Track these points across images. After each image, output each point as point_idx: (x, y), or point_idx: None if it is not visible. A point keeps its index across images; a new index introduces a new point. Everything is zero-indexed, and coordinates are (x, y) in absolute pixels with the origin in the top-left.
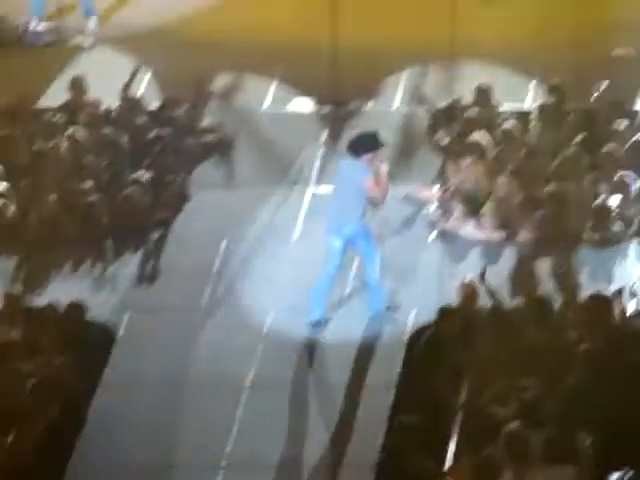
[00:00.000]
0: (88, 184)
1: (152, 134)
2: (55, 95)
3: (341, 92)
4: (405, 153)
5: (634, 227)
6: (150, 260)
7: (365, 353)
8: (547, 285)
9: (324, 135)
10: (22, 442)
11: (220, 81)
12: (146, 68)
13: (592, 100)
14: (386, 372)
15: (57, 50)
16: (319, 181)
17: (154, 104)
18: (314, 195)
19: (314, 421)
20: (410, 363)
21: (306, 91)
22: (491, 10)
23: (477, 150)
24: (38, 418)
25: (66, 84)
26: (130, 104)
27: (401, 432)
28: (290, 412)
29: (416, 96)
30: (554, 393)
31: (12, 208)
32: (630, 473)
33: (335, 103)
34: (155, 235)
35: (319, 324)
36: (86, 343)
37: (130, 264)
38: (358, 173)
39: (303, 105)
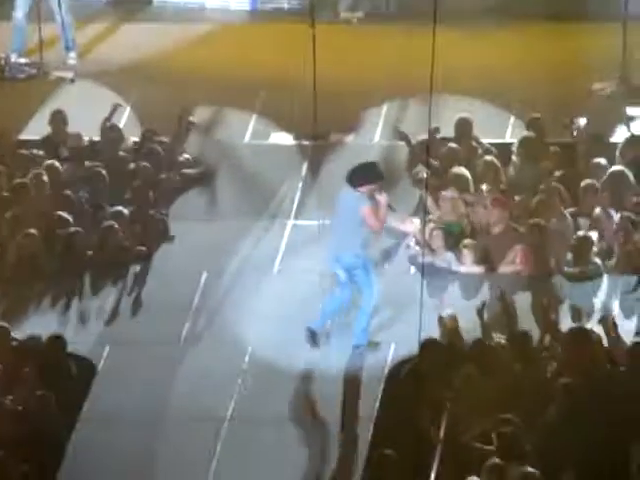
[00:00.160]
0: (68, 217)
1: (132, 167)
2: (36, 128)
3: (321, 126)
4: (385, 186)
5: (613, 260)
6: (130, 293)
7: (345, 386)
8: (527, 319)
9: (304, 168)
10: (1, 475)
11: (200, 114)
12: (126, 102)
13: (572, 134)
14: (366, 405)
15: (38, 84)
16: (299, 214)
17: (134, 137)
18: (294, 228)
19: (294, 454)
20: (390, 396)
21: (286, 124)
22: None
23: (457, 183)
24: (18, 451)
25: (47, 118)
26: (110, 137)
27: (380, 466)
28: (270, 446)
29: (395, 131)
30: (534, 427)
31: None
32: None
33: (315, 137)
34: (135, 268)
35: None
36: (66, 377)
37: (110, 297)
38: (357, 203)
39: (283, 138)
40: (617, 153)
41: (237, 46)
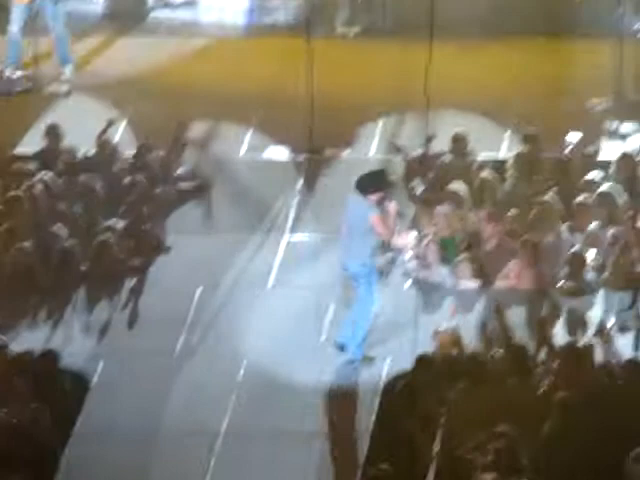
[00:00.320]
0: (63, 231)
1: (127, 181)
2: (31, 142)
3: (317, 140)
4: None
5: (606, 275)
6: (125, 307)
7: (340, 400)
8: (522, 334)
9: (300, 183)
10: None
11: (196, 129)
12: (122, 116)
13: (567, 150)
14: (361, 420)
15: (33, 98)
16: (295, 229)
17: (130, 151)
18: (289, 243)
19: (288, 469)
20: (385, 411)
21: (282, 139)
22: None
23: (453, 198)
24: (11, 466)
25: (42, 131)
26: (106, 151)
27: None
28: (264, 460)
29: (391, 145)
30: (530, 442)
31: None
32: None
33: (311, 151)
34: (130, 282)
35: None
36: (60, 391)
37: (104, 311)
38: (366, 211)
39: (279, 153)
40: (612, 169)
41: (233, 60)
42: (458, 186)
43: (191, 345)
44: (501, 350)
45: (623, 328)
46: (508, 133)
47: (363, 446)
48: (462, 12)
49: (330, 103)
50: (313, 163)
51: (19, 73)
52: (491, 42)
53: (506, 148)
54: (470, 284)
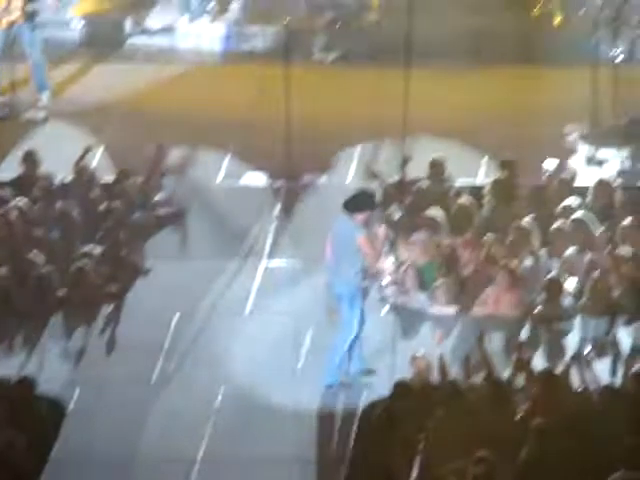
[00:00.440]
0: (40, 257)
1: (104, 207)
2: (8, 169)
3: (295, 166)
4: None
5: (583, 301)
6: (102, 334)
7: (318, 426)
8: (501, 359)
9: (277, 209)
10: None
11: (174, 155)
12: (99, 142)
13: (544, 176)
14: (340, 446)
15: (10, 124)
16: (272, 255)
17: (107, 177)
18: (267, 269)
19: None
20: (364, 437)
21: (260, 165)
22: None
23: (430, 224)
24: None
25: (19, 158)
26: (83, 177)
27: None
28: None
29: (368, 171)
30: (508, 467)
31: None
32: None
33: (288, 177)
34: (107, 309)
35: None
36: (36, 418)
37: (81, 338)
38: (352, 231)
39: (257, 179)
40: (588, 196)
41: (210, 87)
42: (435, 212)
43: (168, 372)
44: (480, 376)
45: (600, 354)
46: (485, 159)
47: (341, 472)
48: (440, 39)
49: (308, 129)
50: (291, 189)
51: None
52: (468, 69)
53: (483, 174)
54: (448, 310)
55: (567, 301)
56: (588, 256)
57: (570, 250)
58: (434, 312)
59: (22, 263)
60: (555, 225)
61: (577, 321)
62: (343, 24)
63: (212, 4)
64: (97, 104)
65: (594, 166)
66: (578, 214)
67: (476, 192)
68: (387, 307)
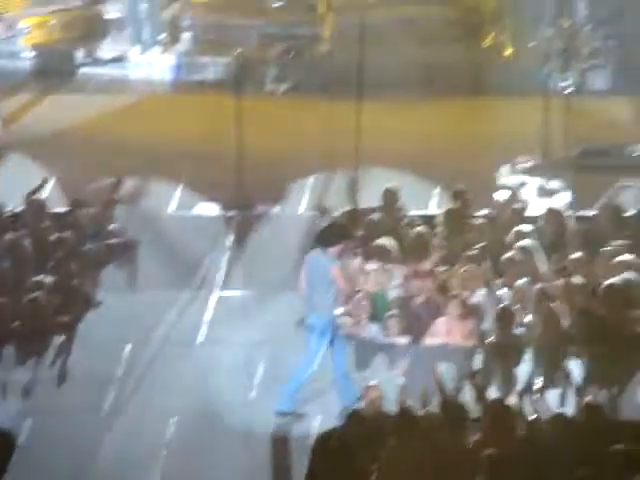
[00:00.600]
0: None
1: (55, 237)
2: None
3: (247, 197)
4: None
5: (534, 331)
6: (53, 364)
7: (271, 457)
8: (453, 389)
9: (230, 239)
10: None
11: (126, 185)
12: (51, 173)
13: (495, 207)
14: (293, 476)
15: None
16: (225, 285)
17: (59, 207)
18: (220, 299)
19: None
20: (317, 467)
21: (212, 195)
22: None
23: (381, 254)
24: None
25: None
26: (34, 208)
27: None
28: None
29: (318, 205)
30: None
31: None
32: None
33: (241, 207)
34: (59, 339)
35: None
36: None
37: (33, 369)
38: (326, 264)
39: (209, 209)
40: (538, 225)
41: (162, 117)
42: (387, 241)
43: (120, 402)
44: (434, 406)
45: (552, 384)
46: (437, 190)
47: None
48: (392, 70)
49: (260, 160)
50: (243, 219)
51: None
52: (420, 100)
53: (435, 205)
54: (400, 340)
55: (519, 331)
56: (538, 286)
57: (522, 280)
58: (387, 342)
59: None
60: (506, 255)
61: (529, 351)
62: (295, 55)
63: (163, 35)
64: (48, 134)
65: (545, 197)
66: (523, 242)
67: (429, 222)
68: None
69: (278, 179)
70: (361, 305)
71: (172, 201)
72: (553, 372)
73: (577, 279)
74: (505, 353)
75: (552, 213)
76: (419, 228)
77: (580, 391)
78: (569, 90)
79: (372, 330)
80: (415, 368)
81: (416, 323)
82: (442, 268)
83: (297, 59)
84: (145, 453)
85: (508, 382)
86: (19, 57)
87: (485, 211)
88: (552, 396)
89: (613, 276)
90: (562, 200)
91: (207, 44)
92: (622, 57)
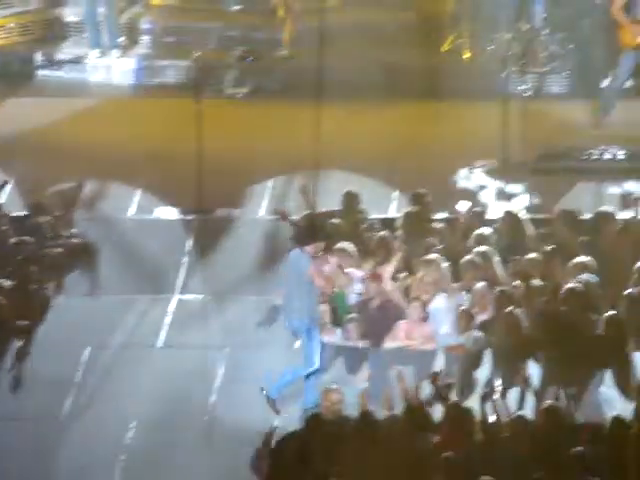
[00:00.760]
0: None
1: (14, 241)
2: None
3: (206, 200)
4: (271, 260)
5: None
6: (11, 369)
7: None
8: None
9: (189, 243)
10: None
11: (85, 188)
12: (9, 176)
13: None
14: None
15: None
16: (184, 289)
17: (17, 211)
18: (179, 303)
19: None
20: (276, 470)
21: (171, 199)
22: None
23: (343, 257)
24: None
25: None
26: None
27: None
28: None
29: (275, 210)
30: None
31: None
32: None
33: (200, 211)
34: (17, 343)
35: (307, 409)
36: None
37: None
38: (303, 263)
39: (168, 213)
40: (495, 229)
41: (121, 120)
42: (347, 245)
43: (78, 407)
44: (395, 409)
45: (511, 386)
46: (396, 193)
47: None
48: (351, 74)
49: (220, 163)
50: (202, 223)
51: None
52: (379, 104)
53: (395, 208)
54: (360, 343)
55: (477, 334)
56: (497, 288)
57: (480, 283)
58: (347, 345)
59: None
60: (465, 258)
61: (487, 353)
62: (254, 59)
63: (122, 38)
64: (6, 137)
65: (503, 200)
66: (482, 247)
67: (389, 225)
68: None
69: (237, 183)
70: (322, 309)
71: (131, 205)
72: (513, 374)
73: (536, 281)
74: (465, 356)
75: (510, 216)
76: (379, 232)
77: (540, 393)
78: (527, 93)
79: (333, 333)
80: (375, 371)
81: (374, 326)
82: (401, 271)
83: (256, 63)
84: (104, 458)
85: (468, 385)
86: None
87: (445, 214)
88: (512, 398)
89: (570, 278)
90: (521, 203)
91: (166, 47)
92: (579, 61)
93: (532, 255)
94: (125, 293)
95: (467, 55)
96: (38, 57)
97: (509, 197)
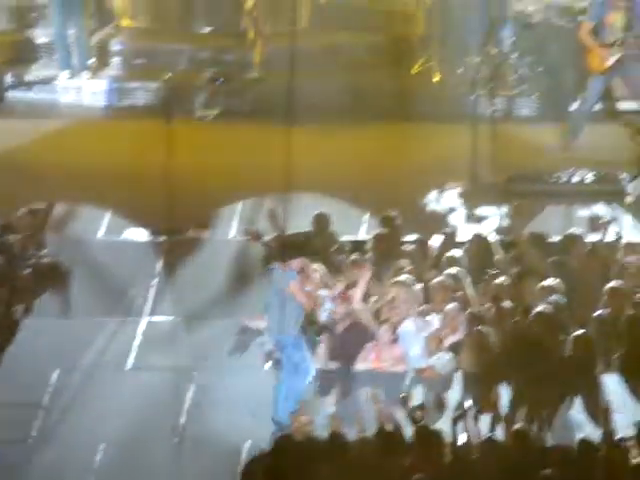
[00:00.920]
0: None
1: None
2: None
3: (176, 222)
4: (241, 282)
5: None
6: None
7: None
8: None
9: (159, 264)
10: None
11: (55, 210)
12: None
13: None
14: None
15: None
16: (154, 311)
17: None
18: (149, 324)
19: None
20: None
21: (141, 220)
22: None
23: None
24: None
25: None
26: None
27: None
28: None
29: (246, 230)
30: None
31: None
32: None
33: (170, 232)
34: None
35: (279, 430)
36: None
37: None
38: (285, 279)
39: (138, 234)
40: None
41: (91, 142)
42: (317, 266)
43: (48, 430)
44: (367, 431)
45: (482, 408)
46: (367, 216)
47: None
48: (321, 96)
49: (190, 185)
50: (172, 244)
51: None
52: (350, 126)
53: (365, 231)
54: (330, 365)
55: (447, 356)
56: (468, 310)
57: (450, 305)
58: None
59: None
60: (434, 280)
61: (458, 375)
62: (225, 81)
63: (93, 59)
64: None
65: (473, 223)
66: (452, 269)
67: (359, 248)
68: (269, 363)
69: (207, 204)
70: None
71: (101, 226)
72: (483, 397)
73: (506, 303)
74: (435, 378)
75: (478, 239)
76: (349, 253)
77: (509, 416)
78: (496, 116)
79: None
80: (344, 394)
81: (344, 348)
82: (371, 293)
83: (227, 85)
84: None
85: (439, 407)
86: None
87: (415, 236)
88: (484, 421)
89: (539, 300)
90: (490, 226)
91: (136, 69)
92: (548, 84)
93: (501, 277)
94: (94, 315)
95: (437, 78)
96: (8, 78)
97: (479, 220)
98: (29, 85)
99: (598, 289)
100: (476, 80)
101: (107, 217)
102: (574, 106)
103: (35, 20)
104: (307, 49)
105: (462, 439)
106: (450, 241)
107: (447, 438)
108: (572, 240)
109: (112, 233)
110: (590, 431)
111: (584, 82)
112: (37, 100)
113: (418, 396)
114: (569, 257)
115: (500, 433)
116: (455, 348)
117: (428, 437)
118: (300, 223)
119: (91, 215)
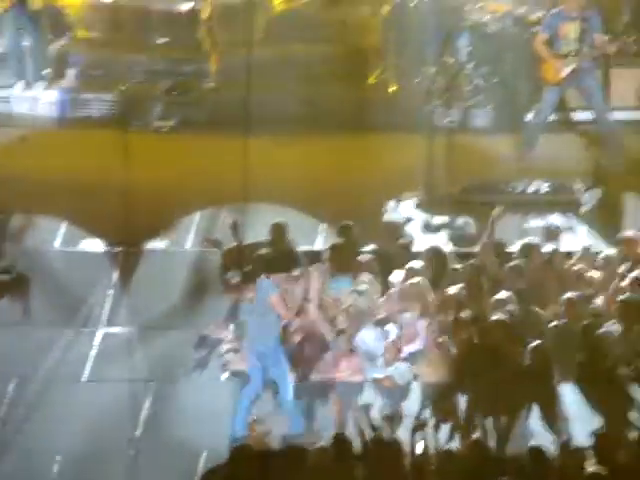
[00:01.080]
0: None
1: None
2: None
3: (133, 233)
4: (198, 292)
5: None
6: None
7: None
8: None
9: (115, 275)
10: None
11: (9, 220)
12: None
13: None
14: None
15: None
16: (110, 322)
17: None
18: (105, 336)
19: None
20: None
21: (97, 231)
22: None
23: None
24: None
25: None
26: None
27: None
28: None
29: (205, 239)
30: None
31: None
32: None
33: (126, 243)
34: None
35: (236, 440)
36: None
37: None
38: (266, 292)
39: (94, 245)
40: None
41: (47, 152)
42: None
43: (3, 441)
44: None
45: (440, 418)
46: (323, 226)
47: None
48: (277, 107)
49: (146, 196)
50: (129, 255)
51: None
52: (306, 137)
53: (321, 241)
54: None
55: (404, 366)
56: (426, 321)
57: (408, 314)
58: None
59: None
60: (393, 289)
61: (416, 386)
62: (181, 92)
63: (48, 70)
64: None
65: (430, 233)
66: (412, 279)
67: (315, 258)
68: (227, 374)
69: (164, 215)
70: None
71: (57, 237)
72: (442, 406)
73: (463, 313)
74: (392, 388)
75: (434, 249)
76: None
77: (467, 426)
78: (452, 127)
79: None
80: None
81: (299, 359)
82: (327, 303)
83: (183, 95)
84: None
85: (396, 416)
86: None
87: (371, 246)
88: (443, 430)
89: (496, 310)
90: (445, 236)
91: (92, 80)
92: (503, 95)
93: (458, 286)
94: (50, 326)
95: (393, 88)
96: None
97: (435, 230)
98: None
99: (555, 298)
100: (432, 90)
101: (63, 228)
102: (529, 117)
103: None
104: (263, 60)
105: (419, 449)
106: (408, 250)
107: (404, 447)
108: (529, 249)
109: (68, 244)
110: (547, 440)
111: (539, 93)
112: None
113: (377, 406)
114: (526, 266)
115: (458, 443)
116: (413, 358)
117: (384, 447)
118: (257, 233)
119: (47, 226)
